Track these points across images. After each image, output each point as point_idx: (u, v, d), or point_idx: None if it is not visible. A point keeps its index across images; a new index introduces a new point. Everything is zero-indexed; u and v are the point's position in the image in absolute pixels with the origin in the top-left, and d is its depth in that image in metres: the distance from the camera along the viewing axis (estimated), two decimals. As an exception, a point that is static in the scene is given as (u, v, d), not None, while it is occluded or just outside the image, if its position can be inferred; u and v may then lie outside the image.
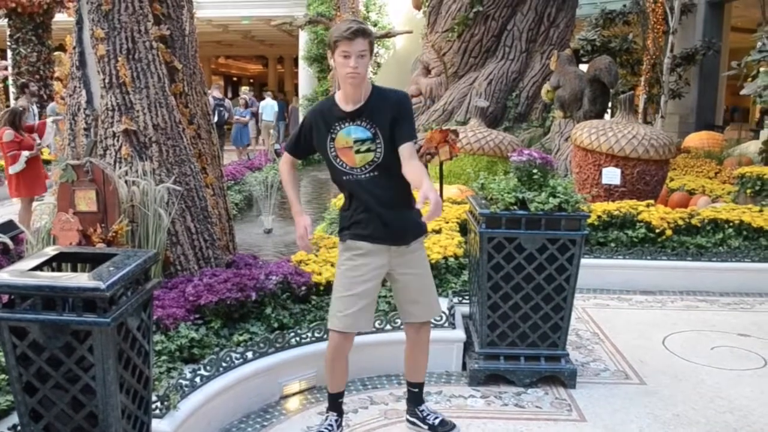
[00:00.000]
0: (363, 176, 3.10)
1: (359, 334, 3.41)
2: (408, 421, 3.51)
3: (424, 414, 3.44)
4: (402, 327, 4.08)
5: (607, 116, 10.17)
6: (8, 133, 7.79)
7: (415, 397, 3.48)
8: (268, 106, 21.44)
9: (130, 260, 2.52)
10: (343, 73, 2.99)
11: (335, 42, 2.98)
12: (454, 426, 3.42)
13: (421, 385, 3.48)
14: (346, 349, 3.25)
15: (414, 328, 3.36)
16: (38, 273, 2.46)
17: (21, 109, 8.51)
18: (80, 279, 2.36)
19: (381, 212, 3.11)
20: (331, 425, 3.32)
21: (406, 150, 3.04)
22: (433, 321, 4.15)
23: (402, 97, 3.14)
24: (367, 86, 3.09)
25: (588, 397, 3.91)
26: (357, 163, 3.08)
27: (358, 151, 3.07)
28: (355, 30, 2.94)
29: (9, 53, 16.19)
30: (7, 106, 17.46)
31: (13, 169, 7.76)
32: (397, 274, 3.24)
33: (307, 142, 3.23)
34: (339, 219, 3.31)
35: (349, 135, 3.07)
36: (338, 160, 3.11)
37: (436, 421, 3.41)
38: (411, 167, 3.02)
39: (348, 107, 3.08)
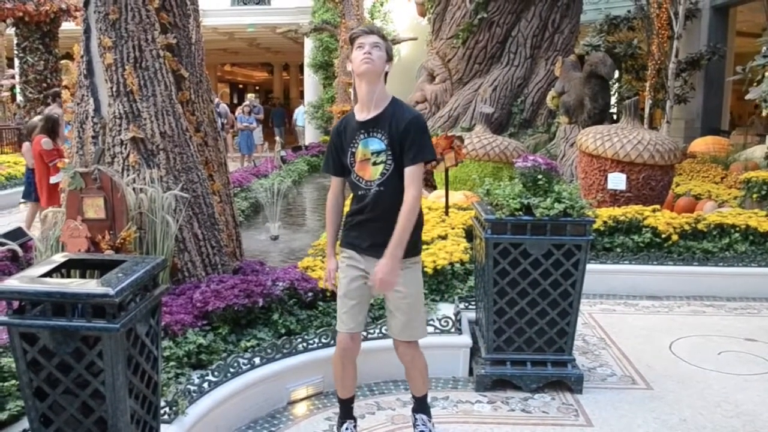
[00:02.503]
0: (374, 189, 3.09)
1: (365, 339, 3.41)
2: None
3: (417, 422, 3.41)
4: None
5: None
6: (46, 141, 7.69)
7: (415, 405, 3.44)
8: (301, 113, 21.92)
9: (139, 267, 2.54)
10: (358, 62, 3.01)
11: (352, 39, 3.04)
12: None
13: (417, 398, 3.42)
14: (349, 349, 3.24)
15: (397, 345, 3.29)
16: (48, 279, 2.48)
17: (56, 116, 8.34)
18: (90, 285, 2.38)
19: (375, 225, 3.11)
20: None
21: (407, 173, 3.03)
22: (440, 327, 4.19)
23: (416, 117, 3.09)
24: (385, 96, 3.10)
25: (595, 402, 3.92)
26: (372, 176, 3.08)
27: (375, 163, 3.07)
28: (370, 27, 3.07)
29: (16, 62, 16.28)
30: (14, 115, 17.58)
31: (55, 179, 7.67)
32: None
33: (337, 160, 3.21)
34: (343, 223, 3.33)
35: (366, 147, 3.08)
36: (355, 175, 3.12)
37: None
38: (404, 202, 3.00)
39: (363, 115, 3.10)
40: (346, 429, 3.36)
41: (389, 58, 3.10)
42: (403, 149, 3.02)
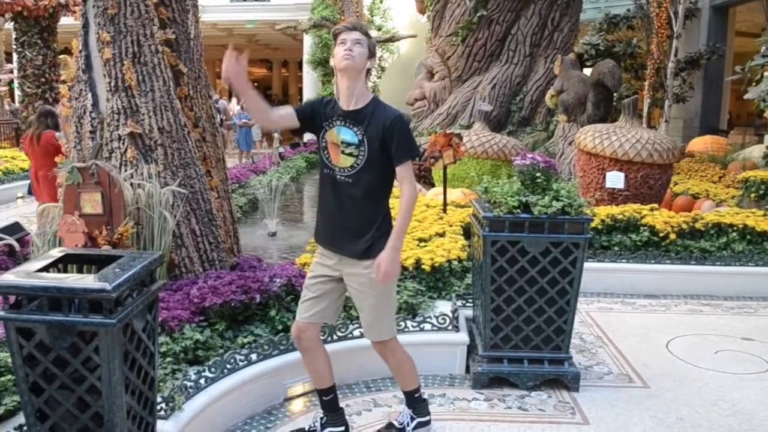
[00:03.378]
0: (339, 176, 3.09)
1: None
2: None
3: (400, 418, 3.43)
4: (405, 330, 4.12)
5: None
6: (59, 135, 7.70)
7: (406, 402, 3.45)
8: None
9: (136, 262, 2.53)
10: (339, 57, 3.03)
11: (335, 35, 3.07)
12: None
13: (404, 393, 3.43)
14: (299, 339, 3.27)
15: (373, 346, 3.33)
16: (44, 274, 2.47)
17: (50, 109, 8.31)
18: (86, 280, 2.38)
19: (338, 218, 3.14)
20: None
21: (399, 172, 3.07)
22: (437, 324, 4.19)
23: (398, 117, 3.08)
24: (365, 93, 3.10)
25: (591, 400, 3.92)
26: (340, 163, 3.09)
27: (344, 152, 3.08)
28: (353, 24, 3.10)
29: (14, 57, 16.24)
30: (11, 113, 17.53)
31: None
32: (348, 286, 3.23)
33: (309, 115, 3.16)
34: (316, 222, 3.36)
35: (339, 134, 3.09)
36: (325, 152, 3.14)
37: (397, 424, 3.42)
38: (402, 197, 3.05)
39: (344, 106, 3.10)
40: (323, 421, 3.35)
41: (371, 54, 3.10)
42: (389, 149, 3.03)
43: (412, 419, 3.39)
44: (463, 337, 4.23)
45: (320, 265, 3.26)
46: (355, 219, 3.10)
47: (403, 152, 3.04)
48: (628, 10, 15.54)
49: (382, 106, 3.12)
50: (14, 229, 4.81)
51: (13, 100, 17.56)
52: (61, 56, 14.92)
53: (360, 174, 3.06)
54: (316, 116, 3.15)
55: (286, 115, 3.15)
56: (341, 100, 3.12)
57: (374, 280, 3.05)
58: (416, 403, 3.41)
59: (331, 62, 3.18)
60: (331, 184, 3.13)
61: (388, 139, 3.01)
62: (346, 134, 3.07)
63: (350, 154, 3.06)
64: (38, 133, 7.61)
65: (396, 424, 3.42)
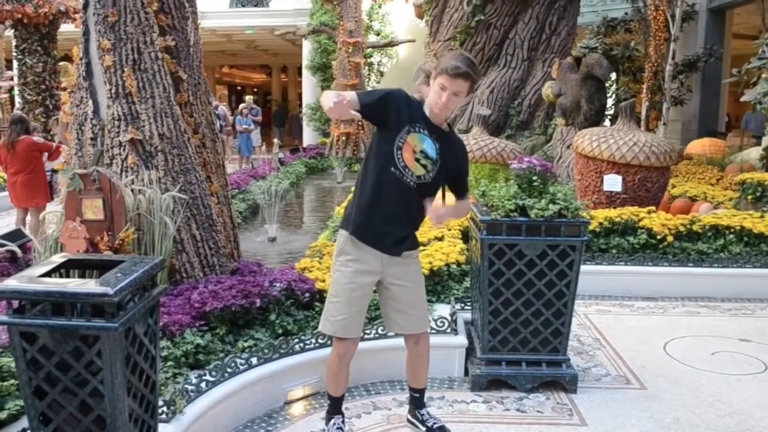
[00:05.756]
0: (408, 180, 3.14)
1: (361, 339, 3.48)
2: (408, 421, 3.59)
3: (424, 417, 3.51)
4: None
5: (606, 122, 10.20)
6: (37, 138, 7.90)
7: (416, 401, 3.55)
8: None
9: (137, 267, 2.57)
10: (434, 101, 3.14)
11: (439, 72, 3.11)
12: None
13: (421, 391, 3.54)
14: (350, 354, 3.33)
15: (412, 340, 3.43)
16: (47, 279, 2.51)
17: (21, 116, 8.51)
18: (89, 285, 2.41)
19: (390, 219, 3.18)
20: (340, 428, 3.39)
21: (466, 202, 3.47)
22: (435, 327, 4.22)
23: (466, 152, 3.41)
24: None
25: (589, 402, 3.95)
26: (411, 168, 3.14)
27: (418, 160, 3.15)
28: (460, 72, 3.06)
29: (15, 64, 16.29)
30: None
31: (57, 162, 7.83)
32: (387, 283, 3.29)
33: (382, 110, 3.13)
34: (349, 210, 3.33)
35: (422, 142, 3.15)
36: (399, 152, 3.12)
37: (435, 426, 3.47)
38: (464, 203, 3.46)
39: (431, 118, 3.21)
40: (334, 424, 3.40)
41: (471, 91, 3.19)
42: (457, 176, 3.32)
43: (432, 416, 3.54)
44: (461, 340, 4.27)
45: (360, 273, 3.22)
46: (411, 217, 3.24)
47: (467, 186, 3.44)
48: (626, 14, 15.59)
49: (454, 134, 3.34)
50: (16, 235, 4.85)
51: (13, 108, 17.59)
52: (61, 63, 14.96)
53: (422, 188, 3.18)
54: (394, 113, 3.12)
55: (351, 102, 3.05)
56: (428, 111, 3.20)
57: (419, 270, 3.36)
58: (423, 400, 3.56)
59: (425, 90, 3.28)
60: (395, 184, 3.14)
61: (460, 168, 3.33)
62: (428, 146, 3.16)
63: (424, 166, 3.15)
64: (12, 140, 7.73)
65: (444, 424, 3.52)
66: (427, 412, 3.53)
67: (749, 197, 7.67)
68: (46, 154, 8.07)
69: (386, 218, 3.17)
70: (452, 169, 3.26)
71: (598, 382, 4.25)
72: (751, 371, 4.47)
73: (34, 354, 2.42)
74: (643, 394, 4.09)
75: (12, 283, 2.44)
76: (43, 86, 15.38)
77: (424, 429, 3.49)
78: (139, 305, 2.52)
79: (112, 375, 2.40)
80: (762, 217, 6.76)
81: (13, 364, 3.09)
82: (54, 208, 5.35)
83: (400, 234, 3.22)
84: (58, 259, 2.72)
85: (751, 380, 4.32)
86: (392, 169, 3.13)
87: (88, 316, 2.37)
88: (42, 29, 15.39)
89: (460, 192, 3.39)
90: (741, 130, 15.25)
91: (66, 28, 15.86)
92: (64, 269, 2.69)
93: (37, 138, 7.98)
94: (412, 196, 3.16)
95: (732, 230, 6.52)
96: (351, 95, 3.07)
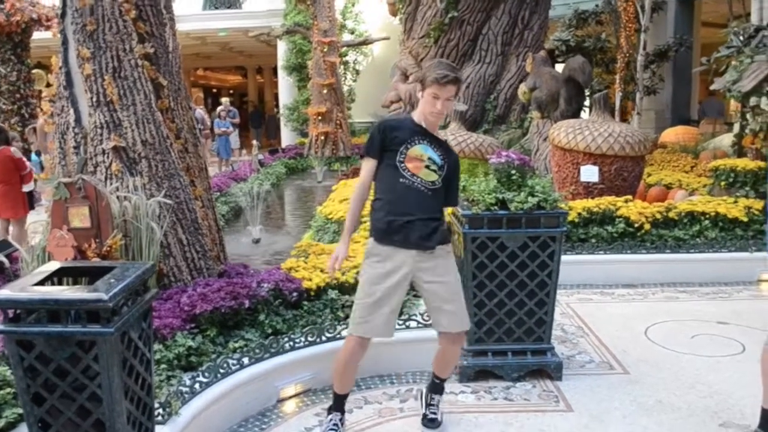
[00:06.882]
0: (421, 187, 3.28)
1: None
2: (421, 394, 3.73)
3: (432, 401, 3.63)
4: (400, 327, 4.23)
5: (584, 115, 10.32)
6: (15, 150, 7.86)
7: (434, 387, 3.65)
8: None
9: (130, 272, 2.62)
10: (428, 110, 3.29)
11: (429, 83, 3.24)
12: (437, 426, 3.59)
13: (443, 380, 3.65)
14: (361, 354, 3.37)
15: (448, 339, 3.45)
16: (41, 288, 2.55)
17: (0, 126, 8.51)
18: (83, 292, 2.46)
19: (416, 219, 3.28)
20: (336, 425, 3.45)
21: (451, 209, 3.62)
22: (422, 321, 4.29)
23: (458, 160, 3.53)
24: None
25: (574, 388, 4.06)
26: (422, 175, 3.28)
27: (427, 167, 3.29)
28: (450, 79, 3.23)
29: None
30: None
31: (28, 187, 7.84)
32: (422, 282, 3.35)
33: (381, 143, 3.34)
34: (372, 222, 3.42)
35: (425, 151, 3.30)
36: (403, 165, 3.28)
37: (428, 415, 3.60)
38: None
39: (429, 129, 3.36)
40: (331, 420, 3.47)
41: (457, 93, 3.40)
42: (451, 184, 3.43)
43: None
44: (448, 332, 4.34)
45: (387, 273, 3.28)
46: (432, 210, 3.33)
47: (457, 198, 3.59)
48: (597, 6, 15.76)
49: (448, 143, 3.50)
50: (2, 245, 4.86)
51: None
52: (36, 71, 14.85)
53: (437, 191, 3.33)
54: (388, 140, 3.32)
55: (371, 179, 3.42)
56: (425, 124, 3.35)
57: (454, 266, 3.43)
58: (442, 387, 3.68)
59: (418, 94, 3.35)
60: (411, 191, 3.28)
61: (454, 177, 3.45)
62: (433, 154, 3.32)
63: (434, 171, 3.30)
64: None
65: (439, 417, 3.62)
66: (437, 400, 3.63)
67: (722, 183, 7.82)
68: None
69: (407, 221, 3.27)
70: (452, 168, 3.40)
71: (583, 369, 4.35)
72: (729, 353, 4.59)
73: (31, 361, 2.46)
74: (626, 379, 4.20)
75: (6, 292, 2.47)
76: (17, 95, 15.21)
77: (422, 411, 3.64)
78: (132, 310, 2.57)
79: (110, 379, 2.45)
80: (735, 202, 6.91)
81: (8, 373, 3.13)
82: (38, 218, 5.37)
83: (426, 228, 3.29)
84: (51, 267, 2.76)
85: (729, 361, 4.45)
86: (401, 180, 3.29)
87: (83, 322, 2.42)
88: (14, 37, 15.21)
89: (449, 200, 3.49)
90: (699, 118, 15.53)
91: (39, 35, 15.71)
92: (56, 277, 2.73)
93: (14, 150, 7.95)
94: (428, 202, 3.30)
95: (707, 216, 6.66)
96: (362, 171, 3.45)
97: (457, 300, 3.39)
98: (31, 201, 8.27)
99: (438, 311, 3.38)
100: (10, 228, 7.99)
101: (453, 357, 3.56)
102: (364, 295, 3.30)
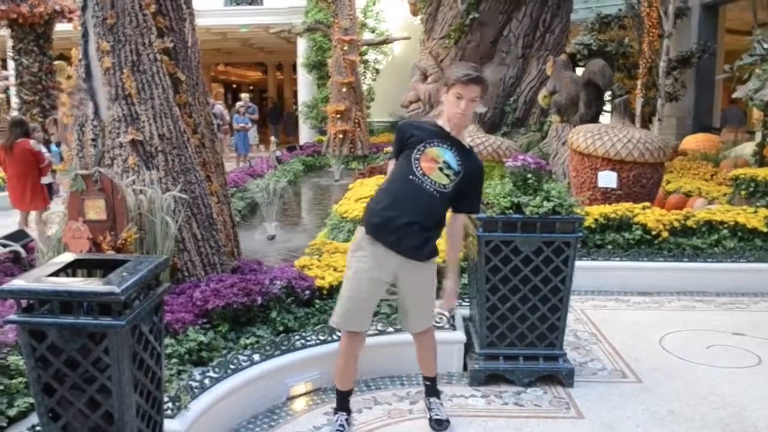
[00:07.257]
0: (429, 188, 3.26)
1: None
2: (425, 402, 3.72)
3: (431, 405, 3.63)
4: (404, 330, 4.21)
5: (603, 118, 10.25)
6: (35, 143, 7.98)
7: (427, 389, 3.68)
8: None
9: (142, 266, 2.63)
10: (452, 111, 3.27)
11: (452, 83, 3.24)
12: (446, 427, 3.57)
13: (431, 379, 3.66)
14: (359, 347, 3.42)
15: (419, 337, 3.58)
16: (55, 279, 2.57)
17: (20, 119, 8.62)
18: (96, 284, 2.47)
19: (413, 223, 3.25)
20: (342, 425, 3.45)
21: (464, 217, 3.55)
22: (434, 324, 4.27)
23: (483, 168, 3.44)
24: (465, 133, 3.41)
25: (585, 396, 4.02)
26: (433, 176, 3.26)
27: (441, 169, 3.27)
28: (472, 78, 3.24)
29: (11, 64, 16.26)
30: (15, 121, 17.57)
31: (46, 180, 7.95)
32: (400, 283, 3.40)
33: (400, 143, 3.37)
34: (368, 210, 3.40)
35: (443, 154, 3.28)
36: (417, 162, 3.27)
37: (434, 417, 3.58)
38: (455, 233, 3.50)
39: (451, 132, 3.34)
40: (337, 420, 3.47)
41: (482, 96, 3.33)
42: (464, 192, 3.34)
43: (442, 404, 3.67)
44: (460, 335, 4.33)
45: (372, 270, 3.31)
46: (430, 224, 3.31)
47: (476, 204, 3.48)
48: (620, 10, 15.63)
49: (472, 151, 3.44)
50: (19, 236, 4.90)
51: (9, 108, 17.58)
52: (57, 62, 14.97)
53: (444, 196, 3.30)
54: (408, 137, 3.34)
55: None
56: (447, 127, 3.33)
57: (432, 276, 3.48)
58: (437, 389, 3.68)
59: (441, 96, 3.36)
60: (417, 190, 3.26)
61: (470, 184, 3.36)
62: (451, 158, 3.29)
63: (447, 175, 3.27)
64: (11, 143, 7.84)
65: (445, 418, 3.61)
66: (436, 401, 3.63)
67: (743, 193, 7.74)
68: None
69: (406, 223, 3.25)
70: (468, 180, 3.34)
71: (595, 376, 4.31)
72: (745, 364, 4.53)
73: (43, 352, 2.47)
74: (638, 388, 4.16)
75: (20, 282, 2.49)
76: (39, 86, 15.36)
77: (427, 416, 3.62)
78: (144, 303, 2.58)
79: (120, 371, 2.45)
80: (755, 212, 6.83)
81: (21, 363, 3.15)
82: (56, 209, 5.41)
83: (419, 239, 3.28)
84: (65, 258, 2.77)
85: (745, 373, 4.39)
86: (410, 176, 3.27)
87: (95, 314, 2.43)
88: (37, 29, 15.37)
89: (464, 206, 3.44)
90: (720, 126, 15.40)
91: (61, 27, 15.84)
92: (70, 269, 2.75)
93: (33, 142, 8.06)
94: (433, 205, 3.28)
95: (726, 225, 6.58)
96: (388, 173, 3.51)
97: (422, 310, 3.50)
98: (50, 193, 8.36)
99: (405, 313, 3.51)
100: (30, 219, 8.08)
101: (428, 350, 3.59)
102: (352, 290, 3.34)
